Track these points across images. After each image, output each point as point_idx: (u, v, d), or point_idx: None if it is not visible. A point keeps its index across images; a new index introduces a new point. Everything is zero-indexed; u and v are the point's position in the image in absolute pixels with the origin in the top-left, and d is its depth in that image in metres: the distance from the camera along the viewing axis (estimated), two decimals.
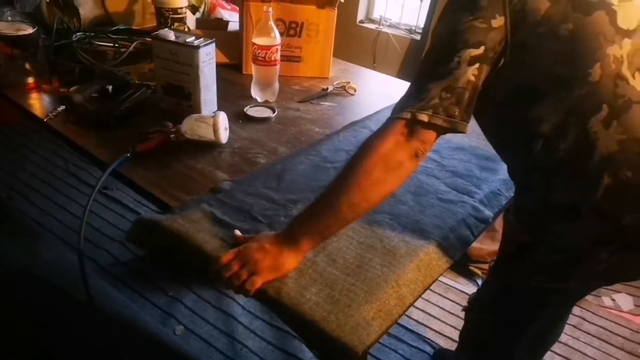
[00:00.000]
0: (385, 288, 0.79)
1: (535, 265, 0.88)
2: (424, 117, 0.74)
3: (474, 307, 1.15)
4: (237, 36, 1.56)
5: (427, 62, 0.77)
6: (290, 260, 0.80)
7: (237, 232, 0.86)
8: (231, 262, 0.79)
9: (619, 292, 1.96)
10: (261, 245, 0.80)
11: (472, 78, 0.73)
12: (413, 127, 0.75)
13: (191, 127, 1.08)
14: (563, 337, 1.70)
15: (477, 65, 0.73)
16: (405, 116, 0.75)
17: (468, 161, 1.18)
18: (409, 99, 0.76)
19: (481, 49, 0.72)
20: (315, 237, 0.80)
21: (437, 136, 0.77)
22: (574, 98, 0.73)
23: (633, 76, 0.73)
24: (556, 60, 0.73)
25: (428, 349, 1.62)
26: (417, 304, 1.75)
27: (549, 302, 0.99)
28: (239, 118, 1.27)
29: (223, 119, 1.10)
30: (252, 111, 1.31)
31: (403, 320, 1.70)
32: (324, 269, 0.82)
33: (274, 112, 1.31)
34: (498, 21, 0.72)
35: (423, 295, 1.81)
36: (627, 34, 0.73)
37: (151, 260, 1.86)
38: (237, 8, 1.76)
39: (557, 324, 1.23)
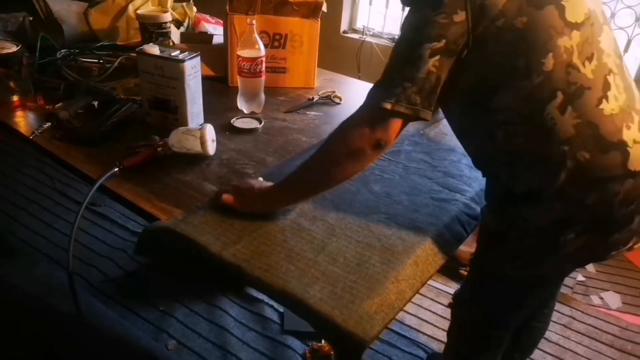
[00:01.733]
0: (386, 284, 0.82)
1: (508, 253, 0.92)
2: (387, 105, 0.78)
3: (457, 302, 1.19)
4: (222, 49, 1.57)
5: (394, 55, 0.82)
6: (255, 210, 0.95)
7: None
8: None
9: (607, 290, 1.99)
10: (251, 188, 0.96)
11: (433, 69, 0.77)
12: (377, 115, 0.80)
13: (178, 140, 1.09)
14: (554, 337, 1.72)
15: (437, 57, 0.77)
16: (371, 104, 0.81)
17: (458, 161, 1.22)
18: (376, 89, 0.82)
19: (442, 42, 0.76)
20: (282, 204, 0.96)
21: (402, 124, 0.82)
22: (531, 87, 0.78)
23: (583, 65, 0.79)
24: (513, 52, 0.77)
25: (422, 353, 1.62)
26: (409, 309, 1.77)
27: (528, 290, 1.03)
28: (226, 130, 1.28)
29: (210, 131, 1.11)
30: (239, 123, 1.32)
31: (395, 326, 1.70)
32: (325, 268, 0.84)
33: (260, 123, 1.32)
34: (459, 16, 0.76)
35: (415, 301, 1.84)
36: (576, 26, 0.79)
37: (155, 270, 1.85)
38: (222, 21, 1.78)
39: (540, 314, 1.28)
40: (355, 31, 3.01)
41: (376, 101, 0.80)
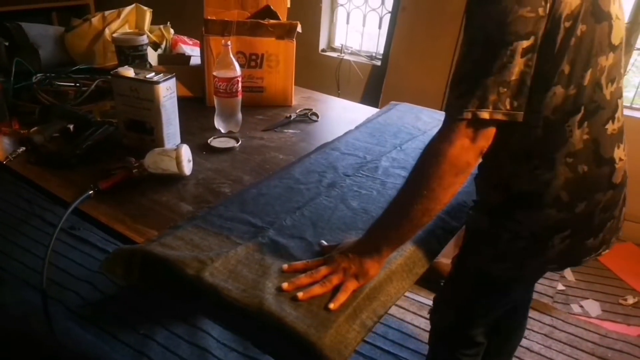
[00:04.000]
0: (360, 301, 0.82)
1: (497, 254, 0.95)
2: (485, 115, 0.73)
3: (436, 307, 1.20)
4: (199, 70, 1.58)
5: (475, 57, 0.74)
6: (374, 268, 0.83)
7: (324, 242, 0.92)
8: (319, 267, 0.84)
9: (587, 298, 2.01)
10: (345, 254, 0.84)
11: (527, 69, 0.73)
12: (476, 126, 0.75)
13: (154, 161, 1.09)
14: (535, 347, 1.74)
15: (529, 55, 0.73)
16: (467, 117, 0.74)
17: None
18: (465, 98, 0.74)
19: (531, 40, 0.72)
20: (394, 243, 0.84)
21: (496, 132, 0.77)
22: (565, 96, 0.79)
23: (606, 86, 0.82)
24: (565, 57, 0.76)
25: None
26: (392, 324, 1.78)
27: (506, 289, 1.06)
28: (203, 150, 1.29)
29: (186, 151, 1.11)
30: (216, 142, 1.32)
31: (379, 342, 1.70)
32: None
33: (237, 142, 1.33)
34: (544, 9, 0.72)
35: (398, 315, 1.84)
36: (613, 48, 0.81)
37: (135, 293, 1.83)
38: (199, 43, 1.80)
39: (514, 315, 1.29)
40: (333, 49, 3.06)
41: (472, 112, 0.74)
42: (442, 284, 1.65)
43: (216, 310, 0.86)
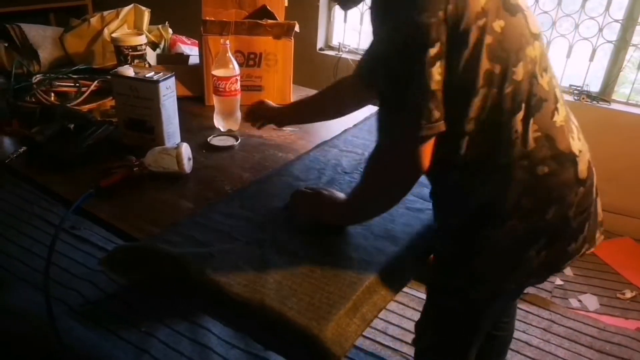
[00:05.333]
0: (360, 294, 0.83)
1: (472, 276, 0.89)
2: (422, 132, 0.73)
3: (418, 333, 1.15)
4: (198, 70, 1.59)
5: (393, 75, 0.74)
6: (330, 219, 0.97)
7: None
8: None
9: (585, 293, 2.03)
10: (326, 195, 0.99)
11: (439, 77, 0.71)
12: (409, 146, 0.76)
13: (155, 160, 1.10)
14: (534, 341, 1.75)
15: (439, 62, 0.71)
16: (397, 138, 0.77)
17: None
18: (393, 119, 0.77)
19: (437, 46, 0.70)
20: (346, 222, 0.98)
21: (433, 145, 0.77)
22: (501, 96, 0.75)
23: (541, 76, 0.78)
24: (491, 56, 0.73)
25: None
26: (392, 319, 1.79)
27: (487, 309, 0.99)
28: (202, 148, 1.30)
29: (186, 150, 1.12)
30: (215, 140, 1.33)
31: (379, 337, 1.71)
32: (303, 280, 0.85)
33: (237, 140, 1.34)
34: (444, 12, 0.69)
35: (398, 311, 1.85)
36: (536, 37, 0.79)
37: (136, 291, 1.84)
38: (197, 42, 1.81)
39: (500, 323, 1.27)
40: (331, 48, 3.07)
41: (402, 134, 0.76)
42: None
43: (217, 307, 0.87)
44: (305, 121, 1.38)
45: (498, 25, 0.73)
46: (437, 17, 0.69)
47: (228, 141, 1.34)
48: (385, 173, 0.83)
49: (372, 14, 0.77)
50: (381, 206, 0.91)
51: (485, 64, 0.73)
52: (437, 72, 0.71)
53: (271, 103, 1.33)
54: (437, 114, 0.73)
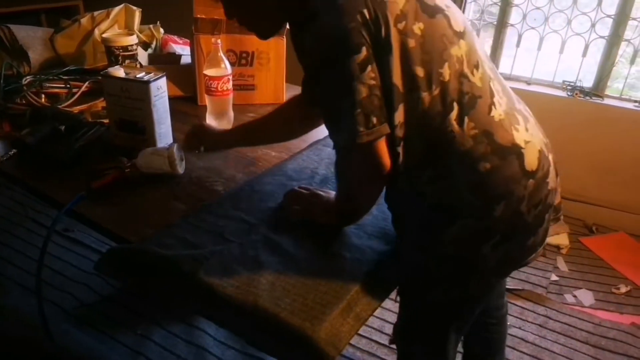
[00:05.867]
0: (354, 294, 0.83)
1: (434, 280, 0.89)
2: (362, 140, 0.75)
3: (397, 336, 1.13)
4: (190, 69, 1.58)
5: (326, 86, 0.77)
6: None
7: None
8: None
9: (580, 288, 2.03)
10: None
11: (372, 82, 0.72)
12: (360, 151, 0.77)
13: (146, 161, 1.09)
14: (530, 337, 1.76)
15: (369, 67, 0.72)
16: (348, 146, 0.78)
17: None
18: (333, 131, 0.81)
19: (364, 50, 0.71)
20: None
21: (384, 144, 0.78)
22: (430, 98, 0.76)
23: (472, 73, 0.78)
24: (414, 60, 0.74)
25: None
26: (388, 317, 1.79)
27: (461, 309, 0.97)
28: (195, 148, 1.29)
29: (178, 150, 1.11)
30: None
31: (375, 336, 1.71)
32: (296, 280, 0.85)
33: None
34: (362, 15, 0.70)
35: (394, 309, 1.85)
36: (461, 35, 0.79)
37: (131, 293, 1.83)
38: (189, 42, 1.79)
39: (488, 325, 1.26)
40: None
41: (345, 142, 0.78)
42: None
43: (211, 309, 0.86)
44: (251, 145, 1.26)
45: (418, 27, 0.73)
46: (356, 22, 0.70)
47: None
48: (351, 174, 0.86)
49: (296, 35, 0.83)
50: (361, 205, 0.92)
51: (410, 68, 0.74)
52: (369, 77, 0.72)
53: (212, 127, 1.26)
54: (374, 119, 0.74)
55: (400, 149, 0.79)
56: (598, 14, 2.30)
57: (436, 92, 0.75)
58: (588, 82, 2.44)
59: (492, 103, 0.79)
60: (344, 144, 0.80)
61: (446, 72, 0.75)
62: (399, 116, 0.77)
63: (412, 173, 0.82)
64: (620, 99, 2.39)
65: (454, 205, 0.81)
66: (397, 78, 0.74)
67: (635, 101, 2.34)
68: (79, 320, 1.71)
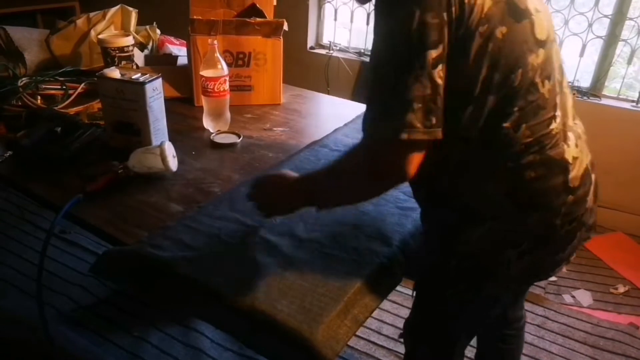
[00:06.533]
0: (351, 296, 0.83)
1: (450, 279, 0.89)
2: (403, 136, 0.68)
3: (406, 331, 1.13)
4: (187, 70, 1.58)
5: (385, 73, 0.70)
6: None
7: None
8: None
9: (578, 288, 2.03)
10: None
11: (439, 80, 0.68)
12: (394, 149, 0.71)
13: (139, 160, 1.09)
14: (528, 337, 1.75)
15: (440, 66, 0.68)
16: (382, 138, 0.70)
17: None
18: (380, 118, 0.70)
19: (440, 48, 0.67)
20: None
21: (421, 155, 0.72)
22: (496, 101, 0.74)
23: (542, 84, 0.76)
24: (492, 64, 0.71)
25: None
26: (386, 319, 1.78)
27: (472, 313, 0.96)
28: (192, 150, 1.28)
29: (169, 148, 1.11)
30: (218, 138, 1.33)
31: (373, 337, 1.71)
32: (293, 282, 0.84)
33: (239, 137, 1.34)
34: (448, 14, 0.67)
35: (392, 310, 1.85)
36: (542, 44, 0.76)
37: (128, 295, 1.82)
38: (185, 43, 1.79)
39: (505, 336, 1.25)
40: (322, 47, 3.05)
41: (388, 133, 0.69)
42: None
43: (208, 311, 0.86)
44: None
45: (500, 32, 0.70)
46: (440, 18, 0.66)
47: (230, 138, 1.33)
48: (369, 169, 0.75)
49: (375, 13, 0.72)
50: (348, 201, 0.89)
51: (486, 71, 0.71)
52: (438, 76, 0.68)
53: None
54: (433, 119, 0.69)
55: (457, 149, 0.78)
56: (595, 14, 2.30)
57: (502, 94, 0.73)
58: (585, 82, 2.44)
59: (554, 117, 0.79)
60: (384, 134, 0.70)
61: (518, 77, 0.73)
62: (467, 118, 0.74)
63: (459, 173, 0.81)
64: (617, 99, 2.39)
65: (488, 207, 0.81)
66: (471, 79, 0.72)
67: (633, 101, 2.35)
68: (75, 322, 1.70)
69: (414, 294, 1.01)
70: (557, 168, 0.79)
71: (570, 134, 0.83)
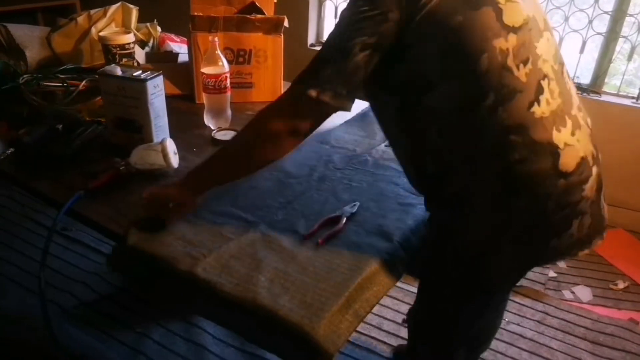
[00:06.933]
0: (352, 291, 0.83)
1: (451, 260, 0.92)
2: (312, 93, 0.79)
3: (410, 316, 1.16)
4: (187, 67, 1.58)
5: (325, 46, 0.82)
6: (176, 193, 0.94)
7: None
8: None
9: (578, 284, 2.04)
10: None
11: (361, 63, 0.78)
12: (301, 102, 0.81)
13: (140, 157, 1.09)
14: (528, 333, 1.76)
15: (367, 52, 0.78)
16: (295, 92, 0.81)
17: None
18: (304, 77, 0.82)
19: (374, 38, 0.77)
20: (201, 183, 0.95)
21: (324, 114, 0.83)
22: (464, 86, 0.79)
23: (517, 68, 0.79)
24: (448, 50, 0.78)
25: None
26: (386, 314, 1.79)
27: (479, 299, 0.99)
28: (193, 147, 1.29)
29: (170, 144, 1.12)
30: (219, 135, 1.34)
31: (374, 333, 1.72)
32: (295, 278, 0.85)
33: None
34: (394, 14, 0.76)
35: (392, 306, 1.85)
36: (513, 29, 0.79)
37: (130, 292, 1.83)
38: (186, 40, 1.79)
39: (488, 321, 1.24)
40: (322, 44, 3.05)
41: (302, 89, 0.80)
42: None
43: (210, 307, 0.87)
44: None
45: (456, 20, 0.76)
46: (385, 16, 0.76)
47: (231, 135, 1.33)
48: (266, 123, 0.85)
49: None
50: (242, 162, 0.91)
51: (443, 57, 0.78)
52: (361, 58, 0.78)
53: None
54: (343, 90, 0.79)
55: (433, 131, 0.83)
56: (595, 11, 2.30)
57: (470, 80, 0.78)
58: (585, 78, 2.44)
59: (537, 100, 0.80)
60: (300, 91, 0.81)
61: (484, 62, 0.77)
62: (431, 98, 0.81)
63: (443, 157, 0.85)
64: (617, 95, 2.39)
65: (477, 192, 0.83)
66: (426, 64, 0.79)
67: (633, 97, 2.35)
68: (78, 319, 1.71)
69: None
70: (543, 151, 0.80)
71: (568, 120, 0.84)
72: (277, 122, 0.83)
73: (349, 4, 0.81)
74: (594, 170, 0.87)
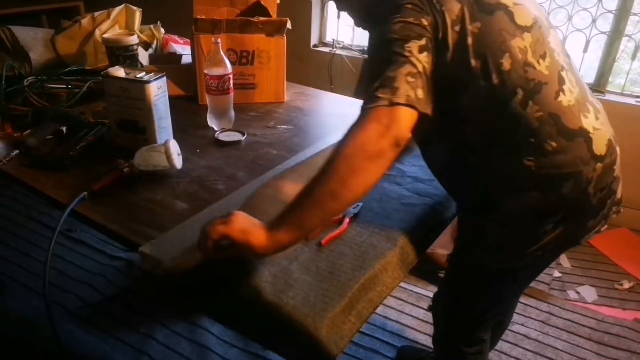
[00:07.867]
0: (355, 291, 0.83)
1: (489, 247, 0.94)
2: (401, 100, 0.75)
3: (437, 303, 1.21)
4: (191, 69, 1.59)
5: (379, 57, 0.81)
6: (261, 237, 0.76)
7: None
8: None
9: (583, 284, 2.03)
10: (247, 218, 0.80)
11: (426, 64, 0.79)
12: (391, 113, 0.75)
13: (144, 159, 1.10)
14: (533, 334, 1.75)
15: (425, 53, 0.79)
16: (382, 103, 0.75)
17: (427, 167, 1.24)
18: (378, 89, 0.76)
19: (423, 40, 0.79)
20: (295, 227, 0.77)
21: (414, 122, 0.77)
22: (491, 87, 0.82)
23: (538, 62, 0.84)
24: (472, 55, 0.82)
25: None
26: (390, 315, 1.79)
27: (508, 281, 1.03)
28: (197, 148, 1.29)
29: (174, 145, 1.12)
30: (222, 136, 1.34)
31: (378, 333, 1.72)
32: (298, 276, 0.85)
33: (243, 135, 1.35)
34: (426, 20, 0.80)
35: (396, 307, 1.85)
36: (526, 29, 0.85)
37: (134, 293, 1.83)
38: (190, 41, 1.80)
39: (510, 306, 1.32)
40: (325, 45, 3.06)
41: (388, 99, 0.75)
42: (438, 274, 1.66)
43: (215, 306, 0.86)
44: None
45: (475, 27, 0.81)
46: (419, 22, 0.79)
47: (235, 136, 1.34)
48: (363, 141, 0.75)
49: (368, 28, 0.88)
50: (341, 194, 0.75)
51: (467, 62, 0.82)
52: (423, 60, 0.79)
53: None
54: (420, 93, 0.78)
55: (469, 129, 0.86)
56: (599, 10, 2.29)
57: (496, 80, 0.82)
58: (589, 77, 2.43)
59: (561, 90, 0.85)
60: (374, 102, 0.76)
61: (507, 62, 0.82)
62: (465, 102, 0.84)
63: (482, 150, 0.88)
64: (621, 94, 2.38)
65: (520, 179, 0.86)
66: (459, 70, 0.82)
67: (637, 96, 2.34)
68: (82, 320, 1.72)
69: (448, 263, 1.09)
70: (577, 137, 0.84)
71: (590, 107, 0.89)
72: (377, 139, 0.74)
73: (377, 26, 0.83)
74: (617, 150, 0.93)
